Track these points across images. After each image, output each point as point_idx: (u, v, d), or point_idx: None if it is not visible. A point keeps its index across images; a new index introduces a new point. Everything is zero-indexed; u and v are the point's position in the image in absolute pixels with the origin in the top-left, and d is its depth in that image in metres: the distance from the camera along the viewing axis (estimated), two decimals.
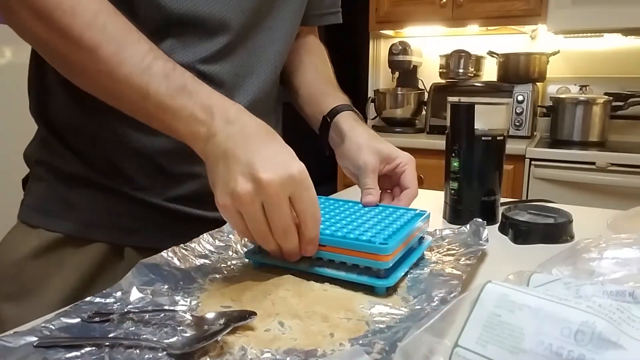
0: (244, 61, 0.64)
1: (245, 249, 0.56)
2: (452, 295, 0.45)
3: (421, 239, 0.57)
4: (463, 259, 0.54)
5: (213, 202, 0.47)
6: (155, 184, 0.63)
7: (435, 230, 0.63)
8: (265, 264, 0.52)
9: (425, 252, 0.57)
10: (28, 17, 0.46)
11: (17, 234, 0.63)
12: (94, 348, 0.37)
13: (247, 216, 0.44)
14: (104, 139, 0.60)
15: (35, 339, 0.37)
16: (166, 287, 0.47)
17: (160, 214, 0.64)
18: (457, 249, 0.58)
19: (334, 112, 0.71)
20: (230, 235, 0.59)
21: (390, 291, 0.47)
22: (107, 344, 0.37)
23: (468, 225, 0.61)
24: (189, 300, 0.45)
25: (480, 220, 0.61)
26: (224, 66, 0.61)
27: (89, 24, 0.46)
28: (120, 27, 0.47)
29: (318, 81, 0.76)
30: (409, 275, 0.51)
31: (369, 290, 0.47)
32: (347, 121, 0.69)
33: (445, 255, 0.57)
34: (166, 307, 0.43)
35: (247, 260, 0.54)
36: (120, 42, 0.46)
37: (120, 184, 0.62)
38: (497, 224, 0.71)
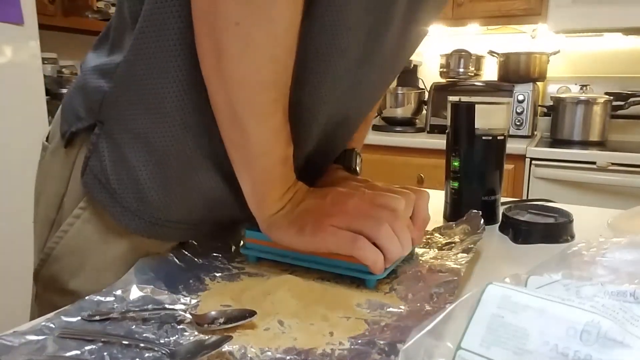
0: None
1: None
2: (451, 292, 0.45)
3: None
4: (461, 252, 0.55)
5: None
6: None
7: (433, 228, 0.63)
8: (262, 258, 0.54)
9: (423, 249, 0.57)
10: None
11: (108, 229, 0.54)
12: (94, 347, 0.37)
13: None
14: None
15: (36, 337, 0.37)
16: (166, 285, 0.47)
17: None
18: (454, 242, 0.58)
19: None
20: None
21: (389, 289, 0.48)
22: (111, 341, 0.37)
23: (464, 217, 0.62)
24: (189, 299, 0.45)
25: (475, 211, 0.61)
26: None
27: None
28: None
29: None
30: (408, 273, 0.51)
31: (368, 289, 0.47)
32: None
33: (443, 249, 0.57)
34: (166, 306, 0.43)
35: (246, 260, 0.55)
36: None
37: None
38: (498, 224, 0.71)
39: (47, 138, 0.59)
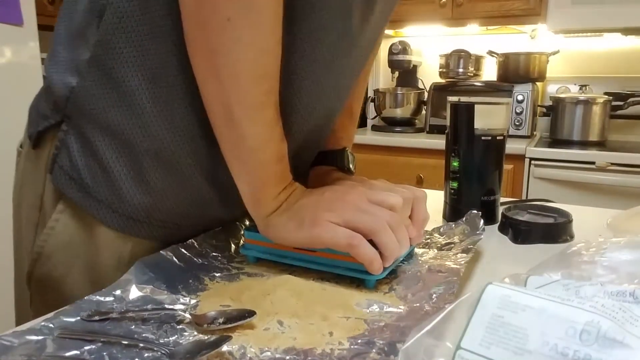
0: None
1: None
2: (451, 292, 0.45)
3: None
4: (460, 252, 0.55)
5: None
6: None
7: (433, 228, 0.63)
8: (261, 258, 0.54)
9: (423, 249, 0.57)
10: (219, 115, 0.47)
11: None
12: (93, 347, 0.37)
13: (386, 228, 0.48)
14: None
15: (35, 337, 0.37)
16: (165, 285, 0.47)
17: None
18: (454, 242, 0.58)
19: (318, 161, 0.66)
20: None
21: (388, 289, 0.48)
22: (111, 341, 0.37)
23: (464, 218, 0.62)
24: (188, 299, 0.45)
25: (475, 211, 0.61)
26: None
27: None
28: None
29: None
30: (407, 273, 0.51)
31: (368, 289, 0.47)
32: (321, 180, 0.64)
33: (442, 249, 0.57)
34: (166, 306, 0.43)
35: (246, 260, 0.55)
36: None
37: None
38: (497, 224, 0.71)
39: (21, 144, 0.59)
